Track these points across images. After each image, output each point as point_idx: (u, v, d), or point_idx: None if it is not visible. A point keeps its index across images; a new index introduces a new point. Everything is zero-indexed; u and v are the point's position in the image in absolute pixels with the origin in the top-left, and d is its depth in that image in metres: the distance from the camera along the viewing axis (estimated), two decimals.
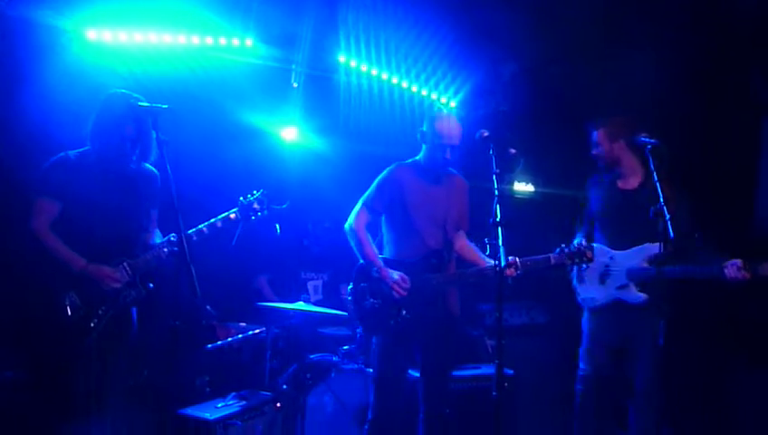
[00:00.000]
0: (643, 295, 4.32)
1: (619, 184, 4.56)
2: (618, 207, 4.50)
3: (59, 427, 3.65)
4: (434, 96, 6.78)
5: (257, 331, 5.32)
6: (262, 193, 4.03)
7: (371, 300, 4.19)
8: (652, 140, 3.86)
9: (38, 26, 4.78)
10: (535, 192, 6.97)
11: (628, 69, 5.57)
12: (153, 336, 4.14)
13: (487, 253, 4.06)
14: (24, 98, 4.58)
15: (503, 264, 3.42)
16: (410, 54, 6.31)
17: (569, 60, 6.00)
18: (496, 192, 3.57)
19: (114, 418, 3.78)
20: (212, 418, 4.29)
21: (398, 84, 6.50)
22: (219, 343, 5.27)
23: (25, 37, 4.75)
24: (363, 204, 4.31)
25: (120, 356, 3.81)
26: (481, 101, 6.70)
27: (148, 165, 3.95)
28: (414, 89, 6.60)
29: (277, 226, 4.26)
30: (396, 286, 4.09)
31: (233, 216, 3.96)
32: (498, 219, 3.48)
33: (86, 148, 3.84)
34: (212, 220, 3.92)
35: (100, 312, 3.68)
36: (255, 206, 3.99)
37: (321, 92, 6.26)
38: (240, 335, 5.32)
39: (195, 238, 3.83)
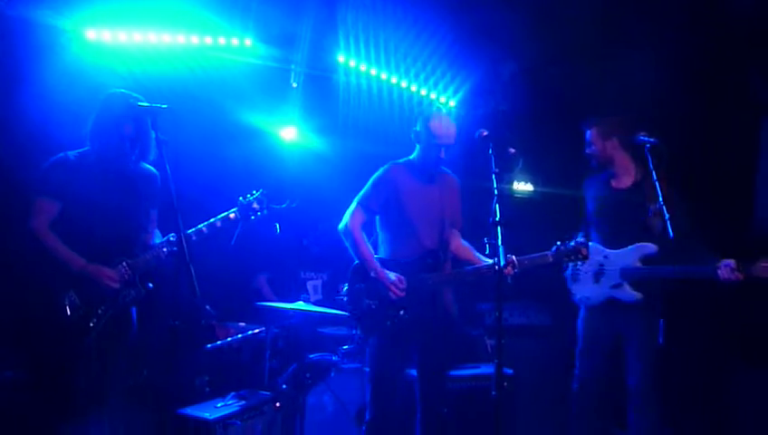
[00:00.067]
0: (637, 294, 4.34)
1: (613, 183, 4.58)
2: (611, 207, 4.53)
3: (59, 427, 3.65)
4: (433, 95, 6.78)
5: (257, 330, 5.32)
6: (261, 193, 4.03)
7: (368, 301, 4.17)
8: (651, 139, 3.87)
9: (37, 26, 4.78)
10: (535, 191, 6.98)
11: (628, 69, 5.57)
12: (153, 336, 4.14)
13: (487, 252, 4.04)
14: (23, 98, 4.58)
15: (502, 263, 3.42)
16: (410, 54, 6.31)
17: (568, 59, 6.01)
18: (496, 191, 3.58)
19: (114, 417, 3.77)
20: (211, 418, 4.29)
21: (398, 84, 6.50)
22: (219, 342, 5.27)
23: (25, 37, 4.75)
24: (358, 203, 4.29)
25: (119, 356, 3.81)
26: (480, 100, 6.70)
27: (147, 165, 3.95)
28: (413, 88, 6.61)
29: (277, 225, 4.24)
30: (393, 287, 4.08)
31: (232, 215, 3.96)
32: (498, 219, 3.48)
33: (86, 148, 3.84)
34: (211, 220, 3.93)
35: (99, 311, 3.68)
36: (255, 205, 3.99)
37: (321, 92, 6.26)
38: (239, 335, 5.32)
39: (194, 238, 3.84)
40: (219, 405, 4.49)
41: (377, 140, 6.09)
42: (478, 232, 3.90)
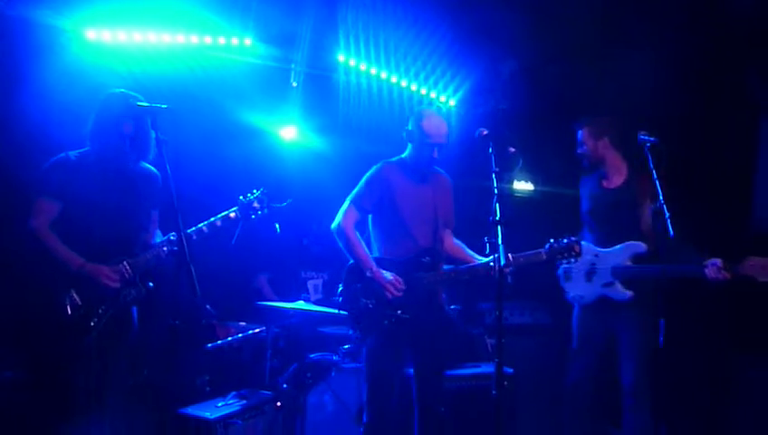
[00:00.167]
0: (629, 293, 4.37)
1: (604, 183, 4.64)
2: (602, 206, 4.57)
3: (59, 426, 3.65)
4: (433, 94, 6.78)
5: (257, 330, 5.32)
6: (261, 192, 4.03)
7: (364, 300, 4.13)
8: (651, 138, 3.87)
9: (37, 26, 4.78)
10: (535, 191, 6.97)
11: (627, 68, 5.58)
12: (153, 335, 4.14)
13: (487, 251, 4.04)
14: (23, 98, 4.58)
15: (502, 262, 3.42)
16: (409, 53, 6.31)
17: (568, 59, 6.01)
18: (496, 191, 3.57)
19: (114, 417, 3.77)
20: (212, 417, 4.29)
21: (398, 83, 6.50)
22: (219, 342, 5.26)
23: (25, 37, 4.75)
24: (351, 202, 4.25)
25: (120, 355, 3.81)
26: (480, 99, 6.70)
27: (148, 165, 3.95)
28: (413, 87, 6.61)
29: (277, 225, 4.24)
30: (390, 287, 4.06)
31: (232, 215, 3.96)
32: (498, 218, 3.48)
33: (86, 148, 3.84)
34: (212, 219, 3.93)
35: (100, 311, 3.68)
36: (255, 205, 3.99)
37: (321, 91, 6.26)
38: (240, 335, 5.32)
39: (195, 237, 3.84)
40: (220, 405, 4.50)
41: (377, 139, 6.10)
42: (479, 231, 3.90)
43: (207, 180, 5.21)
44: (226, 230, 3.96)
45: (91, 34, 5.06)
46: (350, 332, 4.84)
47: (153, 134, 3.62)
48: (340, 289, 4.27)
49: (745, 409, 5.11)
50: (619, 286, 4.40)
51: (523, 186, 7.01)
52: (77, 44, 5.00)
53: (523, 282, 4.49)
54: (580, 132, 4.67)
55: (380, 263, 4.16)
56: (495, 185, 3.60)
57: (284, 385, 4.89)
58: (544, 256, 4.04)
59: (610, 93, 5.57)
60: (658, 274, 4.15)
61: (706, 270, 4.05)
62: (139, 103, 3.63)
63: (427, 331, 4.16)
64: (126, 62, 5.14)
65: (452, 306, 5.63)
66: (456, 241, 4.39)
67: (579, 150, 4.68)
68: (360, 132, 6.26)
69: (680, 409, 4.98)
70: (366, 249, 4.20)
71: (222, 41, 5.45)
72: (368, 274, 4.11)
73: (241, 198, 4.00)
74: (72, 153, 3.81)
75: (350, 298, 4.19)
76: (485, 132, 3.80)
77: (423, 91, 6.70)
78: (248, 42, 5.49)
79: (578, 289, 4.58)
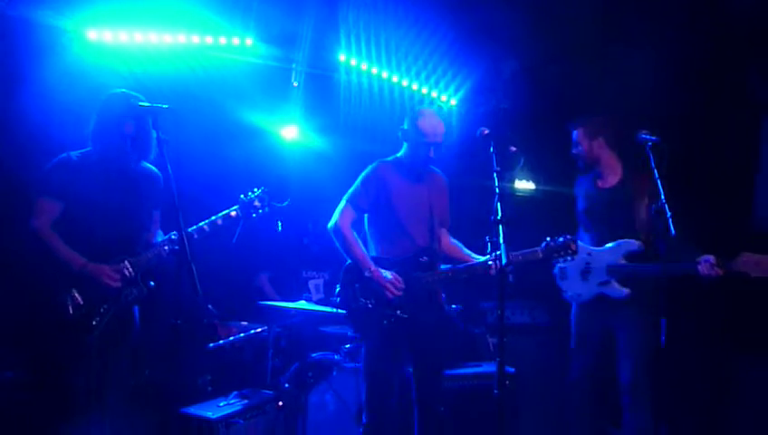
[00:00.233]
0: (626, 290, 4.38)
1: (599, 183, 4.65)
2: (598, 206, 4.59)
3: (60, 426, 3.65)
4: (434, 94, 6.79)
5: (259, 329, 5.32)
6: (262, 190, 4.04)
7: (363, 300, 4.11)
8: (652, 137, 3.87)
9: (38, 26, 4.78)
10: (536, 190, 6.98)
11: (628, 67, 5.58)
12: (155, 335, 4.14)
13: (488, 251, 4.03)
14: (24, 98, 4.59)
15: (504, 262, 3.42)
16: (410, 52, 6.32)
17: (569, 58, 6.01)
18: (497, 190, 3.57)
19: (115, 417, 3.78)
20: (214, 417, 4.30)
21: (399, 82, 6.50)
22: (221, 341, 5.26)
23: (26, 37, 4.75)
24: (348, 202, 4.24)
25: (121, 355, 3.81)
26: (481, 98, 6.70)
27: (150, 166, 3.96)
28: (414, 87, 6.61)
29: (279, 223, 4.24)
30: (390, 286, 4.05)
31: (233, 213, 3.96)
32: (499, 217, 3.48)
33: (88, 148, 3.84)
34: (213, 218, 3.93)
35: (101, 310, 3.68)
36: (256, 203, 4.00)
37: (322, 91, 6.26)
38: (242, 334, 5.32)
39: (196, 236, 3.84)
40: (222, 404, 4.50)
41: (378, 138, 6.09)
42: (480, 230, 3.90)
43: (209, 180, 5.22)
44: (227, 229, 3.97)
45: (93, 35, 5.07)
46: (350, 333, 4.85)
47: (154, 134, 3.62)
48: (338, 289, 4.25)
49: (746, 408, 5.11)
50: (615, 284, 4.41)
51: (524, 185, 7.02)
52: (78, 45, 5.01)
53: (525, 281, 4.50)
54: (575, 132, 4.69)
55: (378, 262, 4.15)
56: (497, 184, 3.59)
57: (286, 385, 4.89)
58: (541, 255, 4.05)
59: (611, 93, 5.57)
60: (653, 271, 4.21)
61: (699, 267, 4.05)
62: (140, 103, 3.64)
63: (426, 330, 4.15)
64: (127, 62, 5.14)
65: (453, 306, 5.64)
66: (453, 240, 4.39)
67: (574, 151, 4.71)
68: (361, 132, 6.26)
69: (681, 408, 4.98)
70: (364, 249, 4.18)
71: (223, 41, 5.46)
72: (366, 274, 4.09)
73: (242, 196, 4.01)
74: (74, 153, 3.81)
75: (348, 298, 4.17)
76: (487, 132, 3.79)
77: (424, 91, 6.70)
78: (249, 42, 5.50)
79: (574, 288, 4.59)
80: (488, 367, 5.24)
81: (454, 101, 6.92)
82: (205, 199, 4.25)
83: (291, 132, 6.31)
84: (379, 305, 4.09)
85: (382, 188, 4.21)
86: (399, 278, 4.08)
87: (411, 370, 4.25)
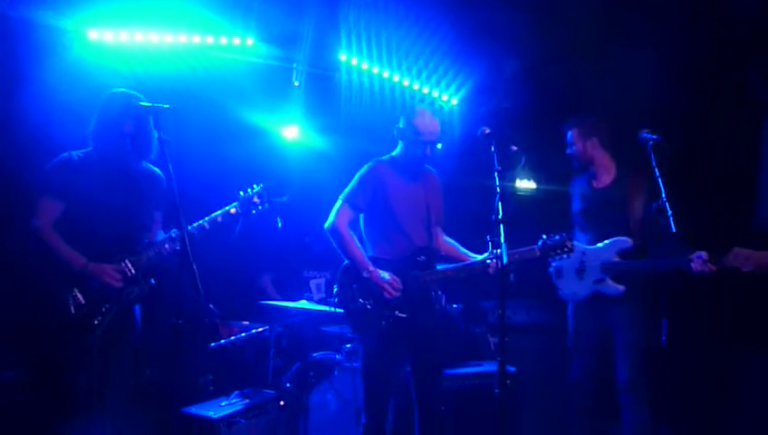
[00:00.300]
0: (621, 287, 4.41)
1: (594, 183, 4.70)
2: (593, 206, 4.63)
3: (62, 426, 3.65)
4: (435, 93, 6.78)
5: (260, 329, 5.32)
6: (261, 187, 4.03)
7: (361, 301, 4.08)
8: (654, 136, 3.88)
9: (39, 27, 4.79)
10: (537, 189, 6.97)
11: (629, 67, 5.57)
12: (156, 335, 4.15)
13: (489, 250, 4.03)
14: (25, 98, 4.59)
15: (505, 261, 3.41)
16: (411, 52, 6.31)
17: (570, 57, 6.00)
18: (498, 189, 3.56)
19: (117, 417, 3.78)
20: (216, 416, 4.30)
21: (400, 82, 6.50)
22: (222, 341, 5.27)
23: (27, 38, 4.75)
24: (344, 201, 4.20)
25: (123, 355, 3.81)
26: (483, 98, 6.70)
27: (153, 167, 3.96)
28: (415, 86, 6.61)
29: (278, 219, 4.21)
30: (388, 287, 4.02)
31: (233, 210, 3.96)
32: (500, 216, 3.47)
33: (89, 148, 3.85)
34: (212, 215, 3.93)
35: (103, 309, 3.68)
36: (255, 200, 4.00)
37: (323, 91, 6.26)
38: (243, 334, 5.32)
39: (196, 234, 3.83)
40: (223, 404, 4.50)
41: (379, 138, 6.09)
42: (481, 230, 3.90)
43: (210, 180, 5.21)
44: (227, 226, 3.96)
45: (93, 35, 5.07)
46: (349, 334, 4.84)
47: (155, 134, 3.63)
48: (336, 290, 4.22)
49: (748, 407, 5.11)
50: (610, 282, 4.44)
51: (525, 184, 7.01)
52: (79, 45, 5.01)
53: (526, 280, 4.50)
54: (569, 133, 4.74)
55: (375, 262, 4.12)
56: (498, 184, 3.59)
57: (287, 384, 4.89)
58: (538, 253, 4.06)
59: (612, 92, 5.56)
60: (646, 268, 4.24)
61: (692, 263, 4.06)
62: (141, 103, 3.65)
63: (425, 330, 4.13)
64: (128, 62, 5.15)
65: (454, 305, 5.64)
66: (448, 239, 4.38)
67: (568, 151, 4.76)
68: (362, 132, 6.25)
69: (682, 407, 4.98)
70: (361, 249, 4.15)
71: (224, 40, 5.46)
72: (365, 274, 4.06)
73: (241, 193, 4.01)
74: (75, 153, 3.82)
75: (346, 299, 4.14)
76: (488, 131, 3.79)
77: (425, 91, 6.70)
78: (250, 41, 5.50)
79: (570, 286, 4.62)
80: (489, 366, 5.24)
81: (455, 101, 6.92)
82: (206, 199, 4.25)
83: (292, 132, 6.31)
84: (378, 306, 4.06)
85: (379, 186, 4.19)
86: (397, 278, 4.06)
87: (410, 370, 4.22)
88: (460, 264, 4.19)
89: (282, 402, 4.69)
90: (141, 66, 5.19)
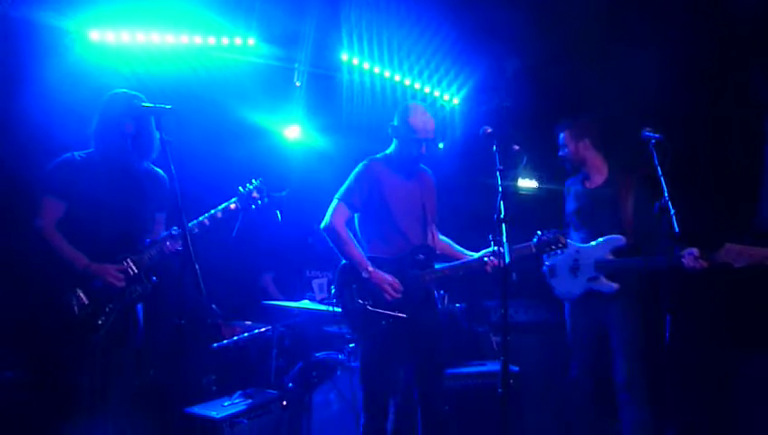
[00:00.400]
0: (615, 285, 4.43)
1: (587, 184, 4.73)
2: (587, 206, 4.66)
3: (64, 426, 3.65)
4: (437, 93, 6.78)
5: (263, 329, 5.32)
6: (260, 181, 4.03)
7: (361, 302, 4.02)
8: (656, 135, 3.88)
9: (41, 27, 4.79)
10: (539, 188, 6.97)
11: (631, 66, 5.56)
12: (159, 335, 4.15)
13: (492, 249, 4.02)
14: (27, 99, 4.60)
15: (507, 260, 3.41)
16: (413, 51, 6.31)
17: (572, 56, 6.00)
18: (500, 189, 3.56)
19: (120, 417, 3.78)
20: (218, 416, 4.30)
21: (401, 82, 6.50)
22: (225, 341, 5.28)
23: (28, 38, 4.76)
24: (340, 200, 4.16)
25: (126, 355, 3.81)
26: (484, 97, 6.70)
27: (156, 168, 3.96)
28: (417, 86, 6.61)
29: (278, 213, 4.19)
30: (388, 287, 3.98)
31: (233, 206, 3.96)
32: (502, 216, 3.47)
33: (91, 149, 3.85)
34: (212, 211, 3.92)
35: (107, 309, 3.68)
36: (255, 195, 3.99)
37: (324, 91, 6.26)
38: (246, 334, 5.33)
39: (196, 231, 3.82)
40: (226, 404, 4.50)
41: (380, 138, 6.09)
42: (483, 229, 3.90)
43: (212, 180, 5.21)
44: (227, 222, 3.95)
45: (95, 35, 5.08)
46: (348, 335, 4.82)
47: (157, 134, 3.63)
48: (334, 291, 4.19)
49: (751, 406, 5.10)
50: (604, 280, 4.46)
51: (527, 183, 7.01)
52: (81, 45, 5.02)
53: (528, 279, 4.50)
54: (561, 135, 4.76)
55: (373, 262, 4.06)
56: (499, 183, 3.59)
57: (290, 384, 4.89)
58: (534, 249, 4.05)
59: (614, 91, 5.56)
60: (640, 266, 4.31)
61: (684, 260, 4.06)
62: (143, 104, 3.65)
63: (426, 329, 4.10)
64: (129, 62, 5.16)
65: (457, 305, 5.64)
66: (443, 237, 4.35)
67: (560, 153, 4.79)
68: (364, 131, 6.26)
69: (684, 406, 4.97)
70: (359, 248, 4.10)
71: (225, 41, 5.47)
72: (364, 274, 4.00)
73: (240, 188, 4.00)
74: (77, 153, 3.82)
75: (345, 299, 4.09)
76: (489, 130, 3.78)
77: (426, 90, 6.70)
78: (251, 42, 5.50)
79: (564, 285, 4.64)
80: (492, 366, 5.24)
81: (456, 100, 6.92)
82: (208, 200, 4.25)
83: (293, 132, 6.31)
84: (377, 306, 4.01)
85: (375, 185, 4.15)
86: (396, 279, 4.02)
87: (412, 370, 4.21)
88: (458, 262, 4.16)
89: (284, 402, 4.69)
90: (143, 67, 5.19)
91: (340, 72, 6.24)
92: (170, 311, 3.42)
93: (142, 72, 5.17)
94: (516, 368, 5.17)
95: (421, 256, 4.12)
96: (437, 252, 4.24)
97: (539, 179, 6.97)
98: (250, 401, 4.56)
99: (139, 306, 3.88)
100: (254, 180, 4.03)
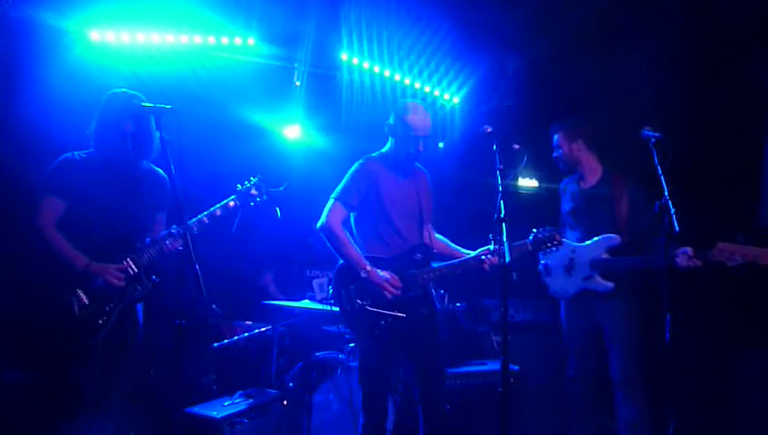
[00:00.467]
0: (610, 284, 4.46)
1: (581, 184, 4.77)
2: (582, 206, 4.70)
3: (65, 426, 3.66)
4: (437, 92, 6.78)
5: (263, 329, 5.33)
6: (258, 179, 4.03)
7: (360, 302, 4.00)
8: (656, 134, 3.88)
9: (41, 27, 4.79)
10: (539, 187, 6.97)
11: (632, 64, 5.56)
12: (159, 335, 4.15)
13: (492, 248, 4.01)
14: (27, 99, 4.60)
15: (507, 259, 3.40)
16: (413, 51, 6.31)
17: (572, 55, 5.99)
18: (500, 188, 3.55)
19: (120, 416, 3.79)
20: (219, 416, 4.30)
21: (401, 81, 6.50)
22: (225, 341, 5.28)
23: (28, 38, 4.76)
24: (336, 199, 4.13)
25: (126, 355, 3.82)
26: (484, 96, 6.70)
27: (157, 168, 3.96)
28: (417, 85, 6.61)
29: (277, 209, 4.18)
30: (388, 286, 3.96)
31: (231, 203, 3.96)
32: (502, 215, 3.47)
33: (91, 149, 3.85)
34: (211, 209, 3.92)
35: (107, 309, 3.68)
36: (253, 192, 3.99)
37: (324, 90, 6.26)
38: (246, 334, 5.33)
39: (196, 229, 3.82)
40: (226, 404, 4.50)
41: (381, 137, 6.09)
42: (483, 228, 3.90)
43: (212, 180, 5.21)
44: (226, 219, 3.95)
45: (95, 35, 5.08)
46: (347, 335, 4.81)
47: (157, 134, 3.63)
48: (332, 291, 4.16)
49: (753, 405, 5.10)
50: (598, 279, 4.49)
51: (527, 183, 7.02)
52: (81, 45, 5.02)
53: (529, 278, 4.50)
54: (555, 137, 4.81)
55: (371, 262, 4.02)
56: (500, 182, 3.58)
57: (290, 384, 4.90)
58: (530, 247, 4.04)
59: (615, 90, 5.57)
60: (634, 265, 4.37)
61: (677, 259, 4.09)
62: (143, 104, 3.65)
63: (425, 328, 4.08)
64: (129, 62, 5.15)
65: (457, 304, 5.64)
66: (439, 236, 4.33)
67: (555, 154, 4.83)
68: (364, 131, 6.25)
69: (685, 404, 4.97)
70: (357, 248, 4.06)
71: (225, 41, 5.46)
72: (362, 274, 3.97)
73: (239, 186, 4.00)
74: (77, 153, 3.83)
75: (343, 300, 4.05)
76: (489, 129, 3.77)
77: (427, 89, 6.69)
78: (251, 41, 5.50)
79: (559, 283, 4.67)
80: (492, 365, 5.24)
81: (456, 100, 6.92)
82: (208, 199, 4.25)
83: (293, 132, 6.31)
84: (376, 306, 3.99)
85: (372, 184, 4.13)
86: (396, 277, 4.00)
87: (413, 369, 4.20)
88: (455, 261, 4.14)
89: (285, 402, 4.69)
90: (143, 67, 5.19)
91: (340, 72, 6.24)
92: (170, 310, 3.43)
93: (142, 71, 5.16)
94: (517, 367, 5.17)
95: (419, 255, 4.10)
96: (435, 251, 4.22)
97: (539, 179, 6.97)
98: (250, 400, 4.56)
99: (140, 306, 3.88)
100: (252, 178, 4.03)
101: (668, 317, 3.64)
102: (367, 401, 4.05)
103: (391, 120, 4.21)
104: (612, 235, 4.47)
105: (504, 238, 3.42)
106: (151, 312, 3.97)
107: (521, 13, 5.62)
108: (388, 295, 3.96)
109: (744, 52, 5.41)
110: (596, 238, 4.51)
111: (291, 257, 6.12)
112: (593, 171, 4.72)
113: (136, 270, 3.75)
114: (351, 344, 4.98)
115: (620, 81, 5.57)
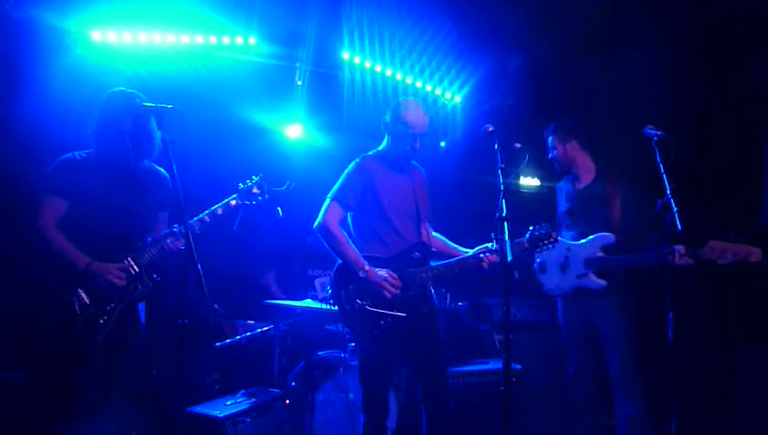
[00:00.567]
0: (603, 282, 4.47)
1: (577, 185, 4.79)
2: (577, 206, 4.72)
3: (67, 426, 3.66)
4: (438, 91, 6.78)
5: (265, 328, 5.33)
6: (260, 177, 4.02)
7: (359, 302, 3.96)
8: (658, 132, 3.87)
9: (42, 27, 4.80)
10: (541, 186, 6.97)
11: (634, 63, 5.56)
12: (161, 335, 4.15)
13: (495, 247, 4.01)
14: (28, 99, 4.60)
15: (509, 258, 3.39)
16: (414, 50, 6.31)
17: (574, 54, 5.99)
18: (502, 187, 3.54)
19: (122, 416, 3.79)
20: (221, 415, 4.31)
21: (403, 80, 6.50)
22: (228, 340, 5.28)
23: (30, 38, 4.76)
24: (333, 199, 4.11)
25: (128, 354, 3.81)
26: (486, 95, 6.70)
27: (159, 167, 3.96)
28: (419, 84, 6.61)
29: (279, 208, 4.17)
30: (387, 285, 3.93)
31: (233, 202, 3.95)
32: (504, 214, 3.46)
33: (91, 149, 3.85)
34: (213, 208, 3.92)
35: (108, 308, 3.68)
36: (255, 190, 3.98)
37: (326, 90, 6.26)
38: (248, 333, 5.33)
39: (197, 229, 3.82)
40: (229, 403, 4.51)
41: (382, 137, 6.10)
42: (484, 227, 3.89)
43: (213, 180, 5.21)
44: (228, 218, 3.95)
45: (96, 35, 5.09)
46: (347, 335, 4.81)
47: (159, 134, 3.63)
48: (330, 292, 4.13)
49: (755, 403, 5.09)
50: (592, 277, 4.50)
51: (529, 181, 7.01)
52: (82, 45, 5.02)
53: (530, 277, 4.49)
54: (549, 138, 4.83)
55: (369, 261, 3.99)
56: (501, 181, 3.58)
57: (293, 383, 4.90)
58: (527, 245, 4.02)
59: (617, 88, 5.56)
60: (628, 263, 4.39)
61: (670, 257, 4.08)
62: (144, 104, 3.65)
63: (425, 327, 4.06)
64: (131, 62, 5.16)
65: (459, 303, 5.63)
66: (436, 234, 4.31)
67: (549, 155, 4.85)
68: (366, 130, 6.24)
69: (689, 403, 4.97)
70: (355, 248, 4.03)
71: (226, 40, 5.46)
72: (361, 274, 3.94)
73: (240, 185, 4.00)
74: (78, 153, 3.82)
75: (342, 300, 4.02)
76: (491, 128, 3.76)
77: (428, 88, 6.69)
78: (253, 41, 5.50)
79: (554, 281, 4.68)
80: (495, 364, 5.24)
81: (458, 98, 6.91)
82: (209, 198, 4.25)
83: (295, 131, 6.31)
84: (375, 305, 3.96)
85: (369, 183, 4.10)
86: (395, 275, 3.98)
87: (414, 369, 4.19)
88: (454, 259, 4.11)
89: (287, 401, 4.70)
90: (144, 67, 5.20)
91: (341, 71, 6.24)
92: (173, 310, 3.43)
93: (144, 71, 5.17)
94: (519, 366, 5.17)
95: (417, 253, 4.08)
96: (433, 249, 4.20)
97: (541, 177, 6.96)
98: (253, 400, 4.57)
99: (141, 306, 3.88)
100: (253, 177, 4.03)
101: (671, 316, 3.64)
102: (367, 401, 4.04)
103: (388, 118, 4.18)
104: (607, 233, 4.49)
105: (506, 237, 3.42)
106: (154, 312, 3.97)
107: (522, 12, 5.62)
108: (388, 295, 3.94)
109: (746, 49, 5.40)
110: (591, 237, 4.53)
111: (292, 256, 6.12)
112: (588, 171, 4.75)
113: (137, 269, 3.74)
114: (353, 344, 4.99)
115: (622, 79, 5.57)
